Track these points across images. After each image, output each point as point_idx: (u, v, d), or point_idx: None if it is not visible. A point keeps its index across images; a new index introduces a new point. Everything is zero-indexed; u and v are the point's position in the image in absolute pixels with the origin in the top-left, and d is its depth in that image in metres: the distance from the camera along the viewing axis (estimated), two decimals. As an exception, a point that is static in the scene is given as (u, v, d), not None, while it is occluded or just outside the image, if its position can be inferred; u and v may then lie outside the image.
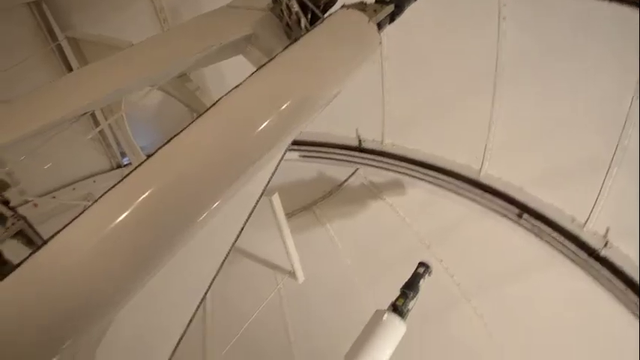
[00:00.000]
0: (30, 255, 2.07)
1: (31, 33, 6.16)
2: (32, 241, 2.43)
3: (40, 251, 2.08)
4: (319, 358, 7.77)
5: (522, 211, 5.97)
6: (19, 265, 2.07)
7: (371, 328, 5.51)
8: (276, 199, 4.68)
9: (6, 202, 2.44)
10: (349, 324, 6.20)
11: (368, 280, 7.32)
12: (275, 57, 3.22)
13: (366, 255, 7.54)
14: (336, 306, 7.56)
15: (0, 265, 2.39)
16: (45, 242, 2.10)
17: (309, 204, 7.76)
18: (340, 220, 7.62)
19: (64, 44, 6.04)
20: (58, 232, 2.15)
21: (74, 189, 6.81)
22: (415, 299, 5.17)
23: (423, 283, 5.14)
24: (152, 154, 2.49)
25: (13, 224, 2.31)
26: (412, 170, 6.64)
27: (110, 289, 2.08)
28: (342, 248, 7.60)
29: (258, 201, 4.22)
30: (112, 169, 7.13)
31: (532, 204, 5.92)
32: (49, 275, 2.01)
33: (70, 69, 6.11)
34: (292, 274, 5.71)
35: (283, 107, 2.92)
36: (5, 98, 4.63)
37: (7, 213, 2.36)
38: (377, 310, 5.25)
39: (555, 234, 5.74)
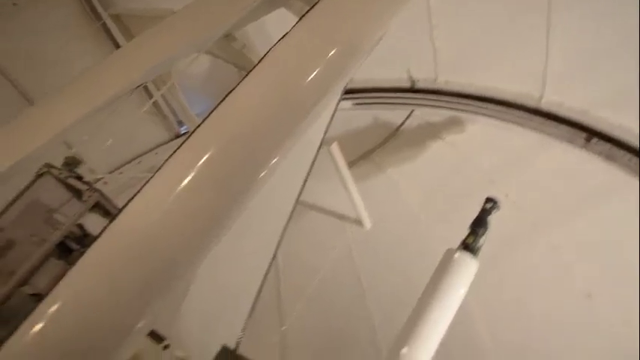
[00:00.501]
0: (108, 224, 2.17)
1: (77, 16, 6.29)
2: (109, 212, 2.53)
3: (117, 219, 2.17)
4: (393, 302, 7.85)
5: (590, 135, 5.71)
6: (99, 235, 2.17)
7: (443, 268, 5.50)
8: (335, 148, 4.66)
9: (79, 178, 2.55)
10: (420, 266, 6.21)
11: (435, 221, 7.26)
12: (316, 4, 3.15)
13: (431, 196, 7.46)
14: (406, 250, 7.56)
15: (82, 237, 2.52)
16: (120, 210, 2.19)
17: (367, 152, 7.69)
18: (401, 164, 7.54)
19: (109, 22, 6.15)
20: (131, 199, 2.23)
21: (139, 163, 7.05)
22: (485, 235, 5.11)
23: (492, 219, 5.06)
24: (207, 116, 2.51)
25: (89, 197, 2.41)
26: (469, 105, 6.45)
27: (186, 247, 2.16)
28: (405, 192, 7.54)
29: (317, 152, 4.24)
30: (172, 139, 7.31)
31: (600, 126, 5.64)
32: (129, 240, 2.10)
33: (118, 47, 6.23)
34: (359, 221, 5.73)
35: (331, 53, 2.87)
36: (59, 84, 4.79)
37: (83, 187, 2.47)
38: (447, 250, 5.22)
39: (629, 155, 5.48)
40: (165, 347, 2.49)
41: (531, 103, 5.95)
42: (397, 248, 7.62)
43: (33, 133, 4.08)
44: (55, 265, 2.45)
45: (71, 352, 2.01)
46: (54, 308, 2.09)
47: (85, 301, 2.09)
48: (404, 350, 5.62)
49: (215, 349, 3.32)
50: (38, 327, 2.04)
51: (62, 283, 2.13)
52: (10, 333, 2.05)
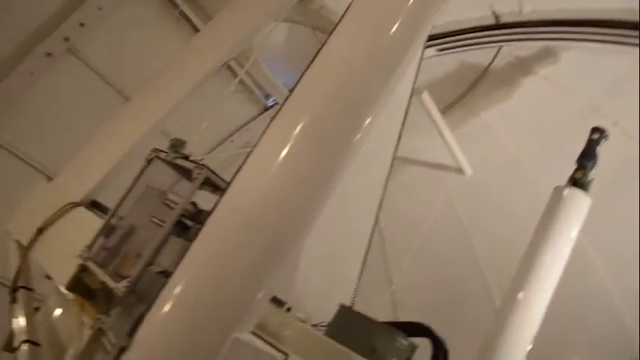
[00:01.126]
0: (220, 198, 2.26)
1: (156, 8, 6.50)
2: (218, 186, 2.62)
3: (228, 193, 2.26)
4: (501, 248, 7.68)
5: None
6: (213, 209, 2.27)
7: (552, 208, 5.27)
8: (426, 97, 4.55)
9: (186, 157, 2.66)
10: (527, 209, 5.98)
11: (538, 160, 6.96)
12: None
13: (530, 135, 7.14)
14: (510, 193, 7.32)
15: (197, 214, 2.64)
16: (229, 184, 2.28)
17: (458, 97, 7.45)
18: (494, 106, 7.25)
19: (185, 8, 6.31)
20: (237, 172, 2.31)
21: (232, 141, 7.28)
22: (594, 168, 4.83)
23: (601, 150, 4.78)
24: (298, 81, 2.52)
25: (198, 174, 2.52)
26: (561, 32, 6.04)
27: (295, 211, 2.21)
28: (502, 134, 7.26)
29: (408, 104, 4.16)
30: (261, 113, 7.47)
31: None
32: (241, 211, 2.19)
33: (197, 30, 6.40)
34: (458, 169, 5.60)
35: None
36: (149, 76, 5.00)
37: (191, 166, 2.58)
38: (556, 188, 4.99)
39: None
40: (288, 310, 2.59)
41: (633, 17, 5.45)
42: (500, 192, 7.39)
43: (133, 127, 4.33)
44: (175, 243, 2.60)
45: (202, 321, 2.14)
46: (182, 284, 2.22)
47: (208, 274, 2.21)
48: (520, 295, 5.51)
49: (332, 309, 3.41)
50: (170, 302, 2.19)
51: (186, 260, 2.26)
52: (148, 308, 2.21)
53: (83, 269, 2.81)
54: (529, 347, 5.55)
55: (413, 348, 3.31)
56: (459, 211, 7.82)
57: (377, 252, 7.99)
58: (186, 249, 2.30)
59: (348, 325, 3.17)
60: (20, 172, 7.24)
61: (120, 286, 2.43)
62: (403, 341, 3.16)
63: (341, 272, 4.12)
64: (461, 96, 7.41)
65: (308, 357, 2.29)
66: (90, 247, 2.80)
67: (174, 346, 2.10)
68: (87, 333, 3.00)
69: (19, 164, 7.33)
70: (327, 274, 3.73)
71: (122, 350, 2.13)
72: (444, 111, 7.32)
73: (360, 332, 3.08)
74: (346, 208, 3.79)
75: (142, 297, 2.47)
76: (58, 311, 4.16)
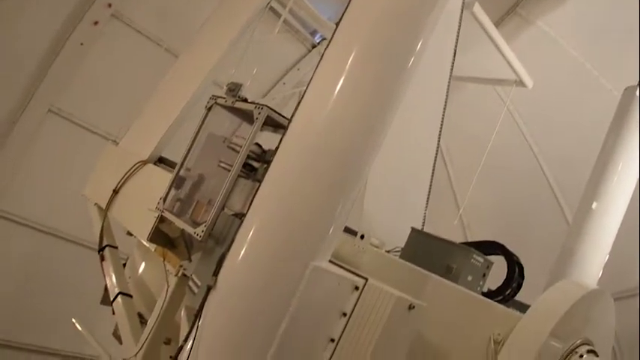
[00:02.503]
0: (283, 135, 2.29)
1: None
2: (279, 124, 2.64)
3: (290, 128, 2.28)
4: (568, 159, 7.44)
5: None
6: (278, 146, 2.31)
7: (623, 111, 5.02)
8: (478, 9, 4.33)
9: (245, 100, 2.68)
10: (593, 117, 5.72)
11: (603, 65, 6.58)
12: None
13: (592, 40, 6.73)
14: (575, 102, 7.01)
15: (262, 154, 2.69)
16: (290, 120, 2.30)
17: (511, 7, 7.05)
18: (550, 12, 6.84)
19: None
20: (296, 108, 2.31)
21: (284, 83, 7.27)
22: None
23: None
24: (345, 9, 2.45)
25: (259, 114, 2.54)
26: None
27: (361, 136, 2.21)
28: (562, 41, 6.87)
29: (460, 19, 3.98)
30: (309, 51, 7.38)
31: None
32: (306, 143, 2.21)
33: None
34: (519, 82, 5.37)
35: None
36: (194, 31, 5.01)
37: (250, 107, 2.60)
38: (626, 89, 4.74)
39: None
40: (361, 237, 2.63)
41: None
42: (564, 102, 7.09)
43: (187, 82, 4.38)
44: (244, 185, 2.66)
45: (280, 254, 2.21)
46: (256, 222, 2.29)
47: (280, 209, 2.26)
48: (594, 205, 5.36)
49: (403, 235, 3.44)
50: (247, 240, 2.27)
51: (257, 199, 2.33)
52: (227, 249, 2.30)
53: (161, 220, 2.93)
54: (606, 258, 5.44)
55: (488, 265, 3.31)
56: (522, 127, 7.57)
57: (442, 177, 7.92)
58: (255, 189, 2.36)
59: (421, 247, 3.20)
60: (87, 141, 7.55)
61: (198, 231, 2.53)
62: (478, 258, 3.16)
63: (409, 198, 4.13)
64: (514, 5, 7.02)
65: (386, 281, 2.34)
66: (164, 198, 2.91)
67: (257, 280, 2.19)
68: (172, 280, 3.18)
69: (84, 133, 7.64)
70: (396, 202, 3.74)
71: (209, 289, 2.24)
72: (497, 23, 6.96)
73: (435, 253, 3.10)
74: (408, 132, 3.75)
75: (220, 239, 2.57)
76: (143, 264, 4.41)
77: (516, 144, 7.67)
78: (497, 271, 3.49)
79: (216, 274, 2.24)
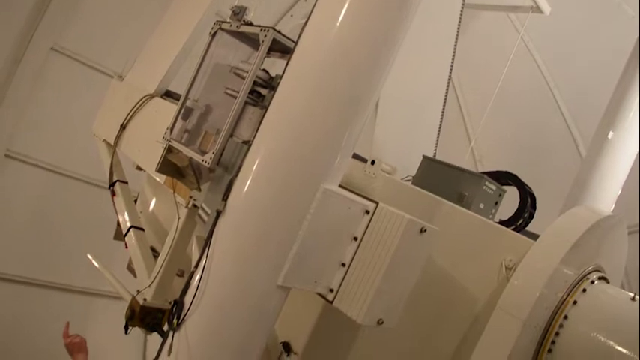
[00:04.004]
0: (289, 58, 2.21)
1: None
2: (286, 49, 2.55)
3: (297, 50, 2.20)
4: (582, 91, 7.26)
5: None
6: (284, 71, 2.24)
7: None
8: None
9: (250, 23, 2.58)
10: (611, 45, 5.52)
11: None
12: None
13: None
14: (592, 32, 6.75)
15: (270, 80, 2.61)
16: (296, 42, 2.21)
17: None
18: None
19: None
20: (302, 30, 2.23)
21: (292, 15, 7.08)
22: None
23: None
24: None
25: (265, 37, 2.45)
26: None
27: (367, 58, 2.13)
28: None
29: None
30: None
31: None
32: (313, 64, 2.14)
33: None
34: (535, 8, 5.14)
35: None
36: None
37: (256, 30, 2.51)
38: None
39: None
40: (372, 163, 2.59)
41: None
42: (582, 30, 6.83)
43: (189, 14, 4.26)
44: (252, 112, 2.60)
45: (289, 177, 2.18)
46: (263, 147, 2.25)
47: (287, 133, 2.22)
48: (610, 135, 5.26)
49: (414, 164, 3.39)
50: (256, 164, 2.23)
51: (264, 124, 2.28)
52: (236, 175, 2.27)
53: (169, 150, 2.90)
54: (619, 191, 5.39)
55: (501, 193, 3.26)
56: (537, 57, 7.35)
57: (453, 110, 7.78)
58: (263, 113, 2.31)
59: (433, 175, 3.15)
60: (93, 79, 7.47)
61: (206, 159, 2.50)
62: (491, 186, 3.11)
63: (420, 129, 4.06)
64: None
65: (397, 207, 2.30)
66: (171, 128, 2.87)
67: (267, 204, 2.17)
68: (183, 212, 3.18)
69: (89, 72, 7.55)
70: (407, 132, 3.67)
71: (219, 214, 2.23)
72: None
73: (446, 180, 3.06)
74: (420, 61, 3.64)
75: (229, 167, 2.54)
76: (153, 200, 4.43)
77: (530, 75, 7.47)
78: (509, 202, 3.46)
79: (225, 198, 2.22)
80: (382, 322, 2.23)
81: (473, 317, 2.73)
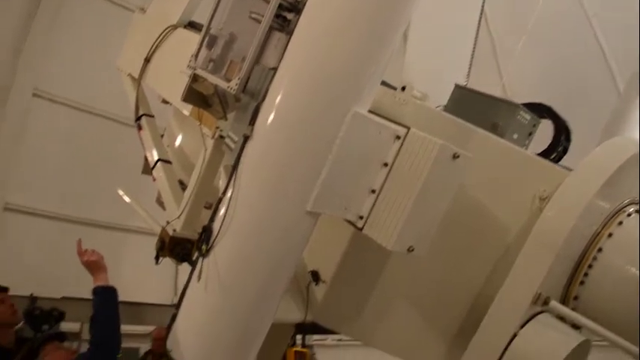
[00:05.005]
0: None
1: None
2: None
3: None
4: (624, 29, 6.91)
5: None
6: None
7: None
8: None
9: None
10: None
11: None
12: None
13: None
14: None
15: (296, 4, 2.49)
16: None
17: None
18: None
19: None
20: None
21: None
22: None
23: None
24: None
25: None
26: None
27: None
28: None
29: None
30: None
31: None
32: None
33: None
34: None
35: None
36: None
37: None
38: None
39: None
40: (403, 89, 2.50)
41: None
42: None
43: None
44: (278, 38, 2.51)
45: (317, 99, 2.13)
46: (290, 70, 2.19)
47: (313, 54, 2.15)
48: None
49: (445, 95, 3.29)
50: (282, 88, 2.19)
51: (290, 48, 2.20)
52: (262, 100, 2.22)
53: (194, 79, 2.84)
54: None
55: (535, 123, 3.14)
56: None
57: (485, 42, 7.49)
58: (289, 41, 2.23)
59: (465, 103, 3.04)
60: (115, 14, 7.39)
61: (232, 85, 2.44)
62: (525, 115, 3.00)
63: (451, 59, 3.90)
64: None
65: (428, 133, 2.23)
66: (195, 55, 2.80)
67: (295, 127, 2.13)
68: (209, 142, 3.15)
69: (110, 7, 7.47)
70: (438, 60, 3.52)
71: (246, 139, 2.19)
72: None
73: (480, 109, 2.94)
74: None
75: (255, 93, 2.47)
76: (179, 135, 4.41)
77: (567, 6, 7.11)
78: (542, 136, 3.34)
79: (252, 123, 2.17)
80: (412, 250, 2.20)
81: (504, 248, 2.70)
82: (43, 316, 5.05)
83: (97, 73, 7.37)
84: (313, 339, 6.84)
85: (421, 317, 2.87)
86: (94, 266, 2.81)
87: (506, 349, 2.39)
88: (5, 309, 3.69)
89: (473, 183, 2.56)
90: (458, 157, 2.15)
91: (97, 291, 2.74)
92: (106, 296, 2.74)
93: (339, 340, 9.49)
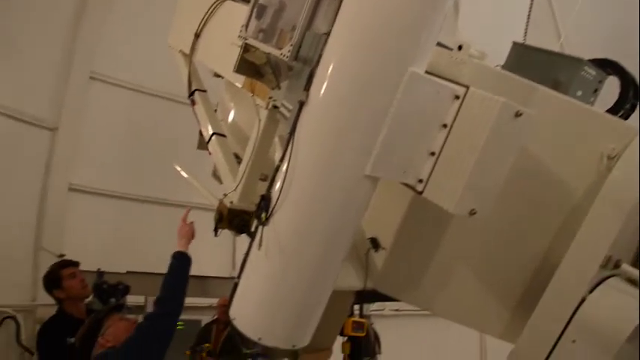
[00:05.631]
0: None
1: None
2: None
3: None
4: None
5: None
6: None
7: None
8: None
9: None
10: None
11: None
12: None
13: None
14: None
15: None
16: None
17: None
18: None
19: None
20: None
21: None
22: None
23: None
24: None
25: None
26: None
27: None
28: None
29: None
30: None
31: None
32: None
33: None
34: None
35: None
36: None
37: None
38: None
39: None
40: (459, 48, 2.41)
41: None
42: None
43: None
44: (328, 3, 2.46)
45: (375, 55, 2.08)
46: (345, 32, 2.14)
47: (369, 14, 2.09)
48: None
49: (503, 50, 3.18)
50: (338, 51, 2.15)
51: (342, 11, 2.16)
52: (316, 64, 2.19)
53: (246, 50, 2.84)
54: None
55: (601, 79, 2.98)
56: None
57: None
58: (340, 3, 2.18)
59: (525, 61, 2.92)
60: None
61: (284, 52, 2.42)
62: (590, 70, 2.85)
63: (507, 17, 3.75)
64: None
65: (488, 92, 2.15)
66: (246, 25, 2.79)
67: (351, 88, 2.09)
68: (263, 113, 3.15)
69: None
70: (493, 22, 3.39)
71: (302, 105, 2.17)
72: None
73: (540, 66, 2.82)
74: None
75: (308, 59, 2.44)
76: (232, 109, 4.45)
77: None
78: (607, 96, 3.18)
79: (307, 88, 2.15)
80: (474, 213, 2.14)
81: (570, 210, 2.60)
82: (110, 289, 5.27)
83: (149, 53, 7.51)
84: (371, 309, 6.86)
85: (483, 283, 2.82)
86: (185, 235, 3.19)
87: (573, 314, 2.31)
88: (76, 283, 3.89)
89: (535, 143, 2.47)
90: (520, 114, 2.06)
91: (176, 255, 3.18)
92: (182, 261, 3.15)
93: (397, 310, 9.53)
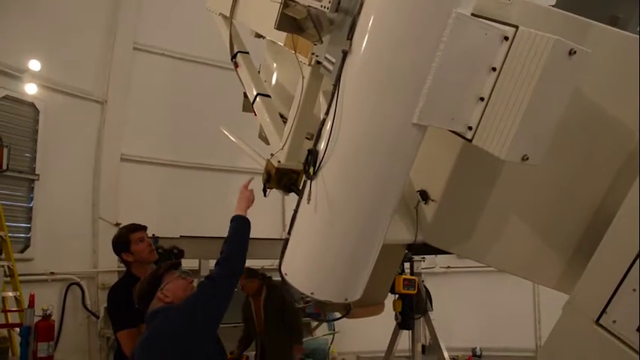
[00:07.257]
0: None
1: None
2: None
3: None
4: None
5: None
6: None
7: None
8: None
9: None
10: None
11: None
12: None
13: None
14: None
15: None
16: None
17: None
18: None
19: None
20: None
21: None
22: None
23: None
24: None
25: None
26: None
27: None
28: None
29: None
30: None
31: None
32: None
33: None
34: None
35: None
36: None
37: None
38: None
39: None
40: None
41: None
42: None
43: None
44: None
45: (417, 4, 2.01)
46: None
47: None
48: None
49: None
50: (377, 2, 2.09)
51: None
52: (358, 13, 2.14)
53: (285, 5, 2.79)
54: None
55: (662, 14, 2.81)
56: None
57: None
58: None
59: (577, -2, 2.77)
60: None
61: (324, 3, 2.37)
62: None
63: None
64: None
65: (539, 31, 2.04)
66: (284, -22, 2.74)
67: (395, 34, 2.03)
68: (306, 70, 3.12)
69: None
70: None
71: (345, 54, 2.14)
72: None
73: (596, 2, 2.67)
74: None
75: (349, 10, 2.39)
76: (275, 70, 4.42)
77: None
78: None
79: (350, 37, 2.11)
80: (527, 159, 2.06)
81: (627, 155, 2.48)
82: (166, 253, 5.44)
83: (189, 21, 7.54)
84: (421, 267, 6.84)
85: (537, 233, 2.74)
86: (245, 200, 3.44)
87: (630, 268, 2.22)
88: (144, 247, 4.01)
89: (591, 83, 2.35)
90: (574, 53, 1.96)
91: (236, 218, 3.34)
92: (242, 223, 3.33)
93: (448, 267, 9.50)
